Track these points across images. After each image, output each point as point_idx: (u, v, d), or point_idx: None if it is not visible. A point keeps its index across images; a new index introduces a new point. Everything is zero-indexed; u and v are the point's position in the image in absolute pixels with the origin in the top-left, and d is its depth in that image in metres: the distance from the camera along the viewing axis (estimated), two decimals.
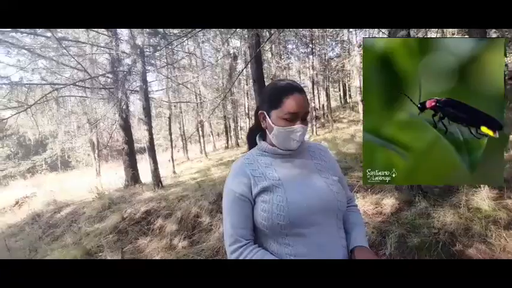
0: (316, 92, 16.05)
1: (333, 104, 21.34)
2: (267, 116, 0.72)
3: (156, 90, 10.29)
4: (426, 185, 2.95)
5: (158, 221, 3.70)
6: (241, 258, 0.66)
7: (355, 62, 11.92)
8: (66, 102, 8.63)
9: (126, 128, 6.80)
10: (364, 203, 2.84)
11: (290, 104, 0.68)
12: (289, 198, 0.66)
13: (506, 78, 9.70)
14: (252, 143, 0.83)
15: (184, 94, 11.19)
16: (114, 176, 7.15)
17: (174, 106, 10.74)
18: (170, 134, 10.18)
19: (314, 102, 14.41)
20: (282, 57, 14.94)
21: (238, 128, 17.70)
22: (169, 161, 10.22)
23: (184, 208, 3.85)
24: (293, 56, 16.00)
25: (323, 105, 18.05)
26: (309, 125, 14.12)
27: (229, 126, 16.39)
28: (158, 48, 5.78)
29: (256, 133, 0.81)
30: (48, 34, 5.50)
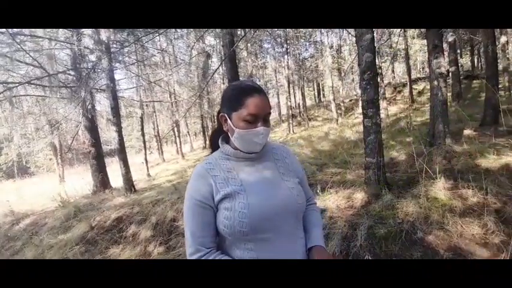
0: (292, 91, 16.39)
1: (308, 102, 22.00)
2: (228, 119, 0.70)
3: (126, 89, 9.69)
4: (391, 178, 3.18)
5: (131, 228, 3.51)
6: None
7: (327, 62, 12.38)
8: (22, 102, 7.75)
9: (93, 129, 6.33)
10: (337, 198, 2.98)
11: (251, 105, 0.66)
12: (251, 204, 0.65)
13: (461, 78, 10.82)
14: (215, 146, 0.80)
15: (158, 93, 10.69)
16: (80, 181, 6.61)
17: (146, 105, 10.22)
18: (143, 134, 9.68)
19: (290, 101, 14.70)
20: (258, 56, 15.01)
21: (211, 130, 17.43)
22: (143, 163, 9.75)
23: (160, 212, 3.70)
24: (269, 55, 16.17)
25: (299, 104, 18.52)
26: (286, 123, 14.47)
27: (207, 126, 16.07)
28: (126, 44, 5.44)
29: (219, 136, 0.79)
30: (2, 30, 4.88)
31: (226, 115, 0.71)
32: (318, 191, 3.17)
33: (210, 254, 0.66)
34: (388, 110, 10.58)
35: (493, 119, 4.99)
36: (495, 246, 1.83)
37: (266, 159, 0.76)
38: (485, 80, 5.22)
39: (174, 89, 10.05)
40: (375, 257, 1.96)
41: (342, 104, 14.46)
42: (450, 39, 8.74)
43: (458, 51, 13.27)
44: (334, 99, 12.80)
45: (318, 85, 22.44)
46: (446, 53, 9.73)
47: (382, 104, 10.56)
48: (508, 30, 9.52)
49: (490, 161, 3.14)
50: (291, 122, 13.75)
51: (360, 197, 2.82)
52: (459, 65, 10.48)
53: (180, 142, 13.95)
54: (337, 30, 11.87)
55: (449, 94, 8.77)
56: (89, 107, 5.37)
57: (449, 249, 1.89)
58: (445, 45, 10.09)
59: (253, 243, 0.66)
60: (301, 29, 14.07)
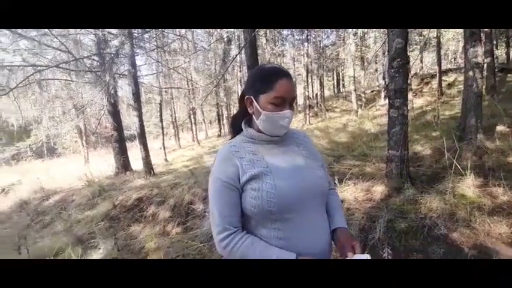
0: (310, 80, 15.92)
1: (327, 93, 21.32)
2: (254, 101, 0.71)
3: (146, 75, 9.90)
4: (414, 173, 3.04)
5: (151, 208, 3.68)
6: (231, 245, 0.66)
7: (349, 50, 11.81)
8: (50, 85, 8.19)
9: (115, 114, 6.57)
10: (355, 190, 2.91)
11: (279, 88, 0.67)
12: (278, 185, 0.66)
13: (497, 70, 9.92)
14: (236, 131, 0.81)
15: (176, 79, 10.83)
16: (103, 163, 6.99)
17: (165, 92, 10.42)
18: (161, 120, 9.95)
19: (308, 91, 14.33)
20: (277, 43, 14.61)
21: (231, 115, 17.50)
22: (161, 148, 10.08)
23: (177, 195, 3.84)
24: (288, 42, 15.67)
25: (316, 94, 18.00)
26: (302, 113, 14.18)
27: (222, 114, 16.17)
28: (147, 29, 5.49)
29: (241, 121, 0.79)
30: None
31: (252, 97, 0.71)
32: (336, 181, 3.11)
33: (237, 233, 0.68)
34: (414, 103, 9.99)
35: None
36: None
37: (289, 143, 0.77)
38: None
39: (191, 76, 10.13)
40: (394, 250, 1.91)
41: (362, 95, 13.85)
42: (486, 28, 7.94)
43: (494, 42, 12.08)
44: (355, 90, 12.28)
45: (338, 75, 21.59)
46: (482, 42, 8.92)
47: (408, 95, 9.97)
48: None
49: None
50: (307, 112, 13.46)
51: (379, 190, 2.74)
52: (494, 56, 9.57)
53: (196, 129, 14.21)
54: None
55: (483, 87, 8.10)
56: (112, 91, 5.56)
57: (475, 247, 1.80)
58: (481, 35, 9.23)
59: (280, 223, 0.67)
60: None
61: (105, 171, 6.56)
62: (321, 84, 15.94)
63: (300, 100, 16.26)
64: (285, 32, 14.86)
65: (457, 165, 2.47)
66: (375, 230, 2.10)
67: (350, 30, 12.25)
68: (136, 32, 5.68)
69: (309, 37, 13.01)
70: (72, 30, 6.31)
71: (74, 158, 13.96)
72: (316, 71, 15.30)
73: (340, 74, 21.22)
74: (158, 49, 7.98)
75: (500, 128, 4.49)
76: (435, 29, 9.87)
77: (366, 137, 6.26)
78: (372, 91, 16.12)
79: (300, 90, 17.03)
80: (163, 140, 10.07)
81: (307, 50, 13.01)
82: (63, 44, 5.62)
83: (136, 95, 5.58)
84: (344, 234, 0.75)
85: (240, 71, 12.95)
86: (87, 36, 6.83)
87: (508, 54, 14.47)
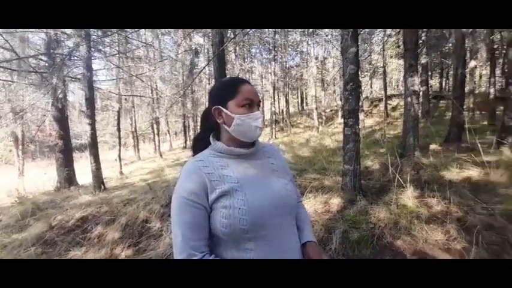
0: (276, 97, 16.66)
1: (292, 109, 22.49)
2: (223, 109, 0.69)
3: (104, 80, 9.17)
4: (366, 186, 3.33)
5: (97, 229, 3.26)
6: None
7: (311, 72, 12.80)
8: None
9: (62, 120, 5.86)
10: (315, 202, 3.03)
11: (245, 91, 0.69)
12: (250, 201, 0.63)
13: (431, 97, 11.80)
14: (197, 152, 0.77)
15: (138, 87, 10.25)
16: (42, 176, 6.06)
17: (125, 99, 9.73)
18: (119, 130, 9.17)
19: (274, 107, 14.91)
20: (246, 60, 15.09)
21: (198, 127, 17.13)
22: (116, 160, 9.23)
23: (131, 213, 3.49)
24: (256, 60, 16.33)
25: (282, 110, 18.84)
26: (269, 128, 14.63)
27: (188, 125, 15.70)
28: (108, 33, 5.17)
29: (202, 142, 0.76)
30: None
31: (220, 106, 0.70)
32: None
33: (203, 259, 0.62)
34: (365, 122, 11.15)
35: (457, 136, 5.47)
36: (457, 252, 1.97)
37: (259, 156, 0.76)
38: (453, 100, 5.72)
39: (156, 85, 9.70)
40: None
41: (323, 113, 14.98)
42: (423, 61, 9.50)
43: (429, 73, 14.49)
44: (316, 108, 13.22)
45: (302, 93, 23.07)
46: (419, 73, 10.55)
47: (360, 115, 11.12)
48: (479, 54, 10.57)
49: (453, 174, 3.41)
50: (274, 127, 13.92)
51: (336, 202, 2.90)
52: (429, 85, 11.42)
53: (159, 140, 13.44)
54: (323, 42, 12.36)
55: (419, 111, 9.50)
56: (60, 96, 4.98)
57: (415, 253, 2.00)
58: (418, 67, 10.95)
59: (254, 242, 0.64)
60: (289, 38, 14.45)
61: (43, 186, 5.68)
62: (287, 101, 16.79)
63: (267, 115, 16.81)
64: (254, 50, 15.52)
65: (399, 178, 2.78)
66: (331, 241, 2.19)
67: (312, 54, 13.37)
68: (95, 34, 5.29)
69: (276, 57, 13.77)
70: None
71: (5, 169, 11.84)
72: (282, 89, 16.11)
73: (304, 93, 22.72)
74: (120, 54, 7.53)
75: (433, 146, 5.27)
76: (382, 59, 11.41)
77: (326, 152, 6.70)
78: (331, 110, 17.56)
79: (267, 106, 17.64)
80: (119, 150, 9.25)
81: (274, 69, 13.71)
82: (7, 42, 4.91)
83: (90, 101, 5.10)
84: (313, 248, 0.75)
85: (209, 83, 12.93)
86: (37, 35, 6.12)
87: (440, 83, 17.39)
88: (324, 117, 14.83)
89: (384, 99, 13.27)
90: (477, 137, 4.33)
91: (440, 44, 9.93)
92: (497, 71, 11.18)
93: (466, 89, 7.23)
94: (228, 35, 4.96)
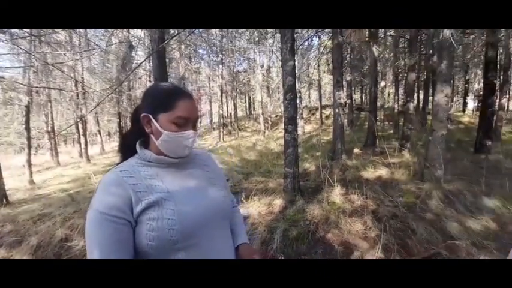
0: (224, 100, 16.64)
1: (240, 113, 22.88)
2: (153, 120, 0.64)
3: (8, 67, 7.28)
4: (303, 186, 3.68)
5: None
6: None
7: (258, 79, 13.35)
8: None
9: None
10: (260, 205, 3.18)
11: (182, 107, 0.63)
12: (180, 211, 0.61)
13: (354, 109, 14.00)
14: (126, 153, 0.71)
15: (57, 78, 8.56)
16: None
17: (36, 92, 7.97)
18: (27, 128, 7.43)
19: (222, 110, 14.86)
20: (192, 60, 14.58)
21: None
22: (24, 166, 7.46)
23: (44, 231, 2.88)
24: (203, 61, 15.97)
25: (230, 114, 18.94)
26: (217, 131, 14.45)
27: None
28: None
29: (134, 140, 0.70)
30: None
31: (150, 116, 0.64)
32: (243, 198, 3.29)
33: None
34: (304, 128, 12.32)
35: (372, 142, 6.64)
36: (372, 239, 2.38)
37: (191, 165, 0.74)
38: (368, 113, 6.94)
39: (82, 77, 8.30)
40: (287, 257, 2.18)
41: (269, 118, 15.78)
42: (348, 78, 11.20)
43: (353, 88, 17.19)
44: (262, 113, 13.83)
45: (250, 98, 23.73)
46: (345, 89, 12.34)
47: (300, 122, 12.22)
48: (387, 76, 13.04)
49: (369, 173, 4.13)
50: (222, 130, 13.84)
51: (278, 203, 3.11)
52: (353, 99, 13.52)
53: (86, 142, 11.50)
54: (267, 52, 13.07)
55: (345, 121, 11.12)
56: None
57: (341, 243, 2.33)
58: (344, 83, 12.82)
59: (184, 251, 0.61)
60: (236, 44, 14.70)
61: None
62: (235, 105, 16.98)
63: (216, 118, 16.60)
64: (201, 51, 15.14)
65: (329, 178, 3.19)
66: (273, 241, 2.33)
67: (258, 61, 13.97)
68: None
69: (223, 60, 13.79)
70: None
71: None
72: (230, 92, 16.22)
73: (251, 98, 23.45)
74: (32, 37, 6.14)
75: (355, 150, 6.24)
76: (317, 74, 12.89)
77: (271, 155, 7.09)
78: (276, 116, 18.69)
79: (215, 109, 17.41)
80: (28, 154, 7.48)
81: (222, 72, 13.69)
82: None
83: None
84: (245, 249, 0.77)
85: (150, 81, 11.89)
86: None
87: (361, 98, 20.70)
88: (269, 122, 15.64)
89: (319, 108, 14.96)
90: (386, 143, 5.38)
91: (360, 65, 11.93)
92: (401, 90, 14.16)
93: (378, 103, 8.89)
94: (172, 32, 4.71)
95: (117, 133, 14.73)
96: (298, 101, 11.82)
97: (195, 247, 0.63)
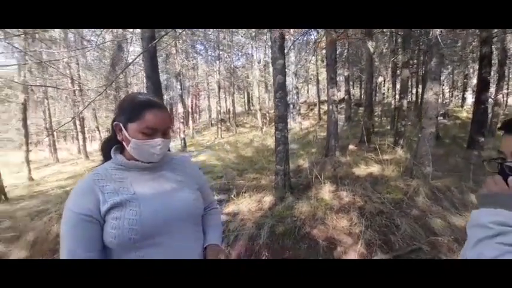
0: (223, 95, 16.58)
1: (239, 109, 22.80)
2: (123, 128, 0.70)
3: (2, 66, 7.26)
4: (295, 183, 3.74)
5: None
6: None
7: (255, 75, 13.29)
8: None
9: None
10: (250, 201, 3.24)
11: (150, 118, 0.67)
12: (143, 212, 0.66)
13: (352, 105, 13.97)
14: (106, 157, 0.77)
15: (53, 75, 8.56)
16: None
17: (32, 90, 7.99)
18: (25, 125, 7.50)
19: (220, 106, 14.83)
20: (189, 56, 14.48)
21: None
22: (23, 162, 7.55)
23: (41, 227, 2.96)
24: (201, 57, 15.86)
25: (229, 110, 18.90)
26: (215, 127, 14.45)
27: None
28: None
29: (110, 146, 0.76)
30: None
31: (121, 124, 0.70)
32: (233, 196, 3.35)
33: None
34: (302, 124, 12.33)
35: (368, 138, 6.67)
36: (356, 235, 2.44)
37: (163, 169, 0.77)
38: (364, 108, 6.94)
39: (79, 75, 8.29)
40: (273, 252, 2.25)
41: (267, 114, 15.75)
42: (346, 74, 11.15)
43: (351, 83, 17.09)
44: (260, 109, 13.81)
45: (248, 94, 23.62)
46: (343, 84, 12.29)
47: (297, 118, 12.20)
48: (386, 72, 12.98)
49: (361, 170, 4.18)
50: (219, 126, 13.85)
51: (268, 200, 3.17)
52: (351, 94, 13.48)
53: (84, 139, 11.55)
54: (264, 47, 12.96)
55: (343, 116, 11.12)
56: None
57: (326, 239, 2.39)
58: (342, 78, 12.75)
59: (145, 250, 0.66)
60: (234, 39, 14.57)
61: None
62: (233, 101, 16.93)
63: (214, 114, 16.57)
64: (198, 46, 15.02)
65: (318, 175, 3.24)
66: (260, 236, 2.40)
67: (255, 57, 13.86)
68: None
69: (220, 56, 13.69)
70: None
71: None
72: (228, 88, 16.15)
73: (250, 93, 23.34)
74: (26, 35, 6.10)
75: (351, 146, 6.27)
76: (315, 69, 12.82)
77: (267, 152, 7.13)
78: (274, 111, 18.64)
79: (213, 105, 17.36)
80: (27, 151, 7.56)
81: (219, 68, 13.62)
82: None
83: None
84: (210, 249, 0.79)
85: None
86: None
87: (360, 93, 20.61)
88: (268, 118, 15.62)
89: (317, 104, 14.91)
90: (381, 139, 5.42)
91: (357, 60, 11.84)
92: (398, 86, 14.10)
93: (376, 99, 8.89)
94: (162, 32, 4.68)
95: None
96: (295, 97, 11.78)
97: (157, 246, 0.68)
